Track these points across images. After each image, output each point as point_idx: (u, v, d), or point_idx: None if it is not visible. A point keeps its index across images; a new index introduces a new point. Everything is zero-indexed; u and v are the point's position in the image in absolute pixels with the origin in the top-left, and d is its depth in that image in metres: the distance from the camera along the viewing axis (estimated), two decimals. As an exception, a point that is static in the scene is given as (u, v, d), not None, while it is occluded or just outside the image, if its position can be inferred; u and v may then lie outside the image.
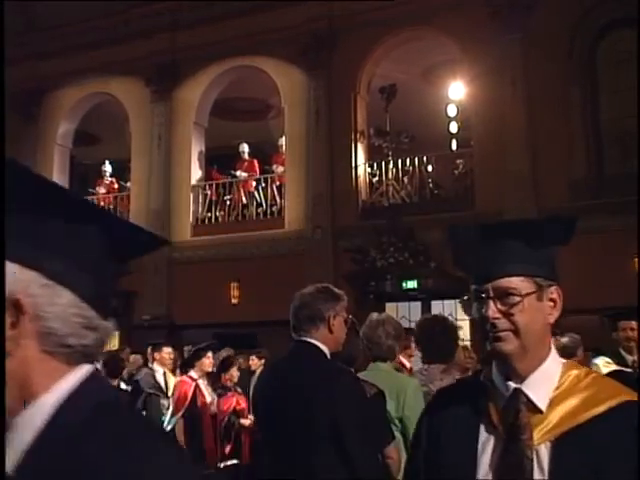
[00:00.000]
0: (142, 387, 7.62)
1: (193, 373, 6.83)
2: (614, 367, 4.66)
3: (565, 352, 5.68)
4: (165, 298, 13.21)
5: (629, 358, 4.73)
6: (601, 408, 1.37)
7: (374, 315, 3.79)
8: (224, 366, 7.13)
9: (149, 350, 9.21)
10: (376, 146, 13.17)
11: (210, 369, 7.04)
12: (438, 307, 11.16)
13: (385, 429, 3.17)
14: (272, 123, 15.45)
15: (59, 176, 15.09)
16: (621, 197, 9.88)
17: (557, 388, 1.44)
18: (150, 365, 8.66)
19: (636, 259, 9.42)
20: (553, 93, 10.93)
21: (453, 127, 14.03)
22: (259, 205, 13.31)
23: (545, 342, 1.48)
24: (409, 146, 13.11)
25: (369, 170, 12.72)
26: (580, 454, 1.34)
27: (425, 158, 12.35)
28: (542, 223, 1.60)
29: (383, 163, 12.65)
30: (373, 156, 12.99)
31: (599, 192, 10.54)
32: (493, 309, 1.44)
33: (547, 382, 1.44)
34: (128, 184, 14.78)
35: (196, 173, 13.89)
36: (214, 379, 7.36)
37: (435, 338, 3.95)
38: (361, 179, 12.55)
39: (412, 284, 11.30)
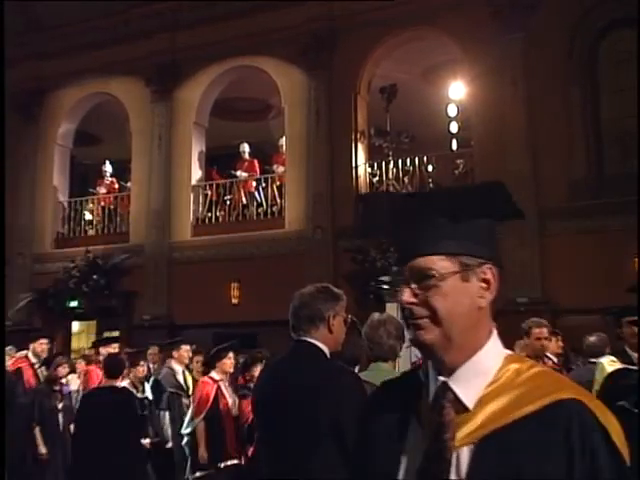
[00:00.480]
0: (164, 386, 7.59)
1: (214, 374, 6.72)
2: (619, 365, 4.65)
3: (593, 351, 5.72)
4: (165, 298, 13.20)
5: (635, 356, 4.71)
6: (531, 407, 1.18)
7: (375, 315, 3.78)
8: (246, 366, 7.04)
9: (150, 350, 9.22)
10: (376, 146, 13.18)
11: (231, 370, 6.94)
12: (438, 307, 11.16)
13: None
14: (272, 123, 15.45)
15: (59, 176, 15.11)
16: (621, 197, 9.88)
17: (492, 383, 1.23)
18: (148, 364, 8.64)
19: (636, 259, 9.42)
20: (553, 93, 10.94)
21: (453, 127, 14.03)
22: (259, 205, 13.31)
23: (477, 330, 1.27)
24: (409, 146, 13.12)
25: (369, 170, 12.72)
26: (501, 459, 1.16)
27: (425, 158, 12.35)
28: (464, 193, 1.36)
29: (383, 163, 12.65)
30: (373, 156, 12.99)
31: (599, 192, 10.54)
32: (408, 293, 1.26)
33: (479, 376, 1.24)
34: (128, 184, 14.78)
35: (196, 173, 13.90)
36: (234, 379, 7.30)
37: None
38: (361, 179, 12.55)
39: (412, 284, 11.29)
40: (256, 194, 13.47)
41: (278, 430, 2.80)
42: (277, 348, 4.48)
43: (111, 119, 14.89)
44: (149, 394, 7.56)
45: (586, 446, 1.14)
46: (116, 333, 12.59)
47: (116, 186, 15.12)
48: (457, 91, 13.54)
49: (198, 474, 6.67)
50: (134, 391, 7.13)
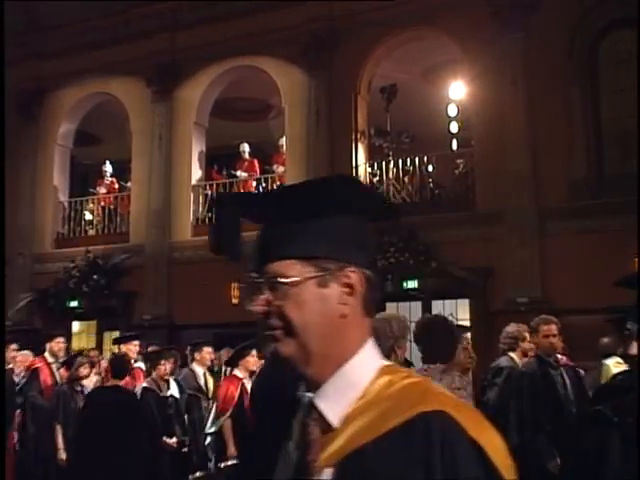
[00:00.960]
0: (184, 388, 7.51)
1: (238, 372, 6.69)
2: (624, 367, 4.62)
3: (604, 352, 5.68)
4: (165, 298, 13.20)
5: None
6: (394, 422, 1.06)
7: (383, 314, 3.81)
8: None
9: (150, 349, 9.17)
10: (377, 146, 13.18)
11: (255, 368, 6.89)
12: (438, 307, 11.17)
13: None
14: (272, 123, 15.45)
15: (59, 176, 15.11)
16: (621, 197, 9.88)
17: (361, 398, 1.12)
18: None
19: (636, 259, 9.42)
20: (553, 93, 10.94)
21: (453, 127, 14.04)
22: (259, 205, 13.29)
23: (342, 340, 1.15)
24: (410, 146, 13.13)
25: (370, 170, 12.72)
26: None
27: (426, 158, 12.35)
28: (317, 188, 1.19)
29: (384, 163, 12.65)
30: (374, 156, 12.99)
31: (599, 192, 10.54)
32: (261, 302, 1.17)
33: (347, 391, 1.13)
34: (128, 184, 14.78)
35: (196, 173, 13.90)
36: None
37: (435, 338, 3.96)
38: (362, 179, 12.55)
39: (412, 284, 11.30)
40: (256, 194, 13.46)
41: (278, 430, 2.80)
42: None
43: (111, 119, 14.89)
44: (175, 392, 7.44)
45: (447, 460, 1.03)
46: (116, 333, 12.58)
47: (116, 186, 15.12)
48: (457, 91, 13.54)
49: (198, 474, 6.66)
50: (157, 390, 7.08)
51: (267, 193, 1.15)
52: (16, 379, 7.76)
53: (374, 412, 1.09)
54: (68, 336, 14.13)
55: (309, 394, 1.17)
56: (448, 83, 13.63)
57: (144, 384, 7.12)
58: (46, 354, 8.20)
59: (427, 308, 11.19)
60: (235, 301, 12.47)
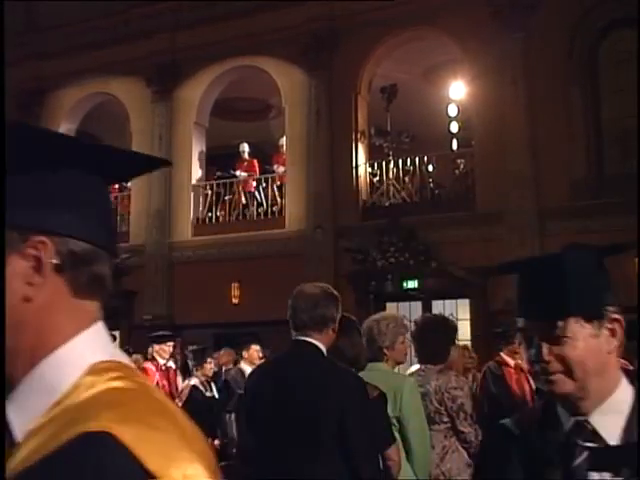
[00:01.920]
0: (233, 388, 7.45)
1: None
2: None
3: None
4: (165, 298, 13.21)
5: None
6: (59, 441, 0.81)
7: (376, 315, 3.81)
8: None
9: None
10: (377, 146, 13.17)
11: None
12: (439, 307, 11.18)
13: (386, 431, 3.18)
14: (273, 123, 15.45)
15: (60, 176, 15.10)
16: (621, 197, 9.87)
17: (56, 405, 0.86)
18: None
19: (636, 259, 9.41)
20: (553, 93, 10.94)
21: (454, 127, 14.04)
22: (260, 205, 13.32)
23: (37, 329, 0.88)
24: (410, 146, 13.12)
25: (370, 170, 12.72)
26: None
27: (426, 158, 12.36)
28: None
29: (384, 163, 12.65)
30: (374, 156, 12.99)
31: (599, 192, 10.55)
32: None
33: (41, 395, 0.86)
34: (129, 184, 14.77)
35: (196, 173, 13.90)
36: None
37: (432, 338, 3.96)
38: (362, 179, 12.55)
39: (413, 284, 11.31)
40: (256, 194, 13.48)
41: (278, 431, 2.79)
42: (277, 348, 4.48)
43: (111, 119, 14.89)
44: (216, 394, 7.40)
45: None
46: (116, 333, 12.56)
47: (116, 186, 15.10)
48: (457, 91, 13.54)
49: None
50: (202, 390, 7.04)
51: None
52: None
53: (56, 425, 0.84)
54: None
55: None
56: (448, 83, 13.63)
57: (192, 382, 7.08)
58: None
59: (427, 308, 11.19)
60: (235, 301, 12.49)
